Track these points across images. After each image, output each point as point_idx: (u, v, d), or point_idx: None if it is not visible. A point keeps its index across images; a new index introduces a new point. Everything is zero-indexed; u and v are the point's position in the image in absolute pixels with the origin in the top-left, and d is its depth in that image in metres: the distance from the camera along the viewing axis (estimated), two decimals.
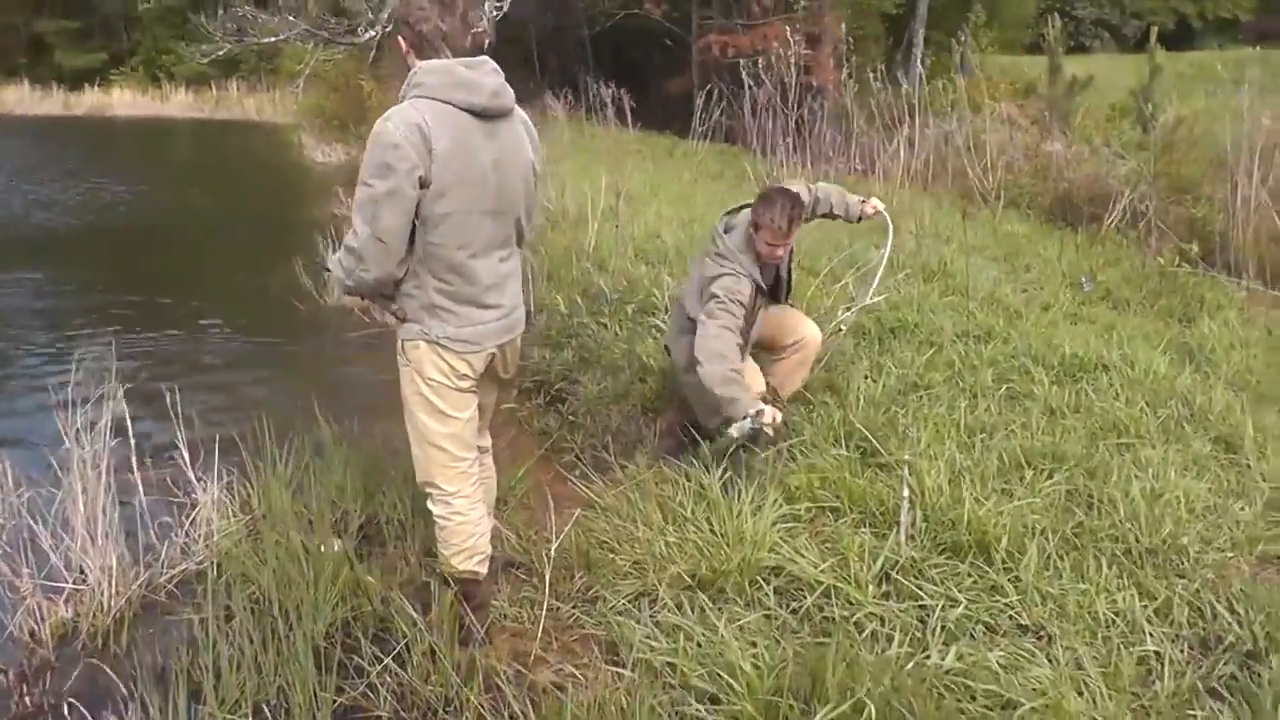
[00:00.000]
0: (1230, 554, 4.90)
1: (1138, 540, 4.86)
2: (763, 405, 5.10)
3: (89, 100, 47.94)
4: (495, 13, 27.21)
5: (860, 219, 6.29)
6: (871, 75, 16.06)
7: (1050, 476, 5.42)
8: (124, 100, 48.22)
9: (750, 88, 16.67)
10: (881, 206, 6.23)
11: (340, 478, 5.60)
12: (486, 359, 4.36)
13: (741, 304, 5.34)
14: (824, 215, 6.17)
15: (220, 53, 27.69)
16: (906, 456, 5.47)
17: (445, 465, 4.42)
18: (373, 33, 27.44)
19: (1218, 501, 5.32)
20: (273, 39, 27.23)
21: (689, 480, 5.29)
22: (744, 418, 5.05)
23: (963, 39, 22.62)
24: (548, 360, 7.86)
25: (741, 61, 17.75)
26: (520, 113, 4.40)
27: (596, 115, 20.65)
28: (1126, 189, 12.05)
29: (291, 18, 26.97)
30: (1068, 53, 24.03)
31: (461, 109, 4.05)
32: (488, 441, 4.90)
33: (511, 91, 4.26)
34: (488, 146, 4.13)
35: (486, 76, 4.15)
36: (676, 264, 10.00)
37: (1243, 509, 5.27)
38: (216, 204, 19.49)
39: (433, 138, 3.95)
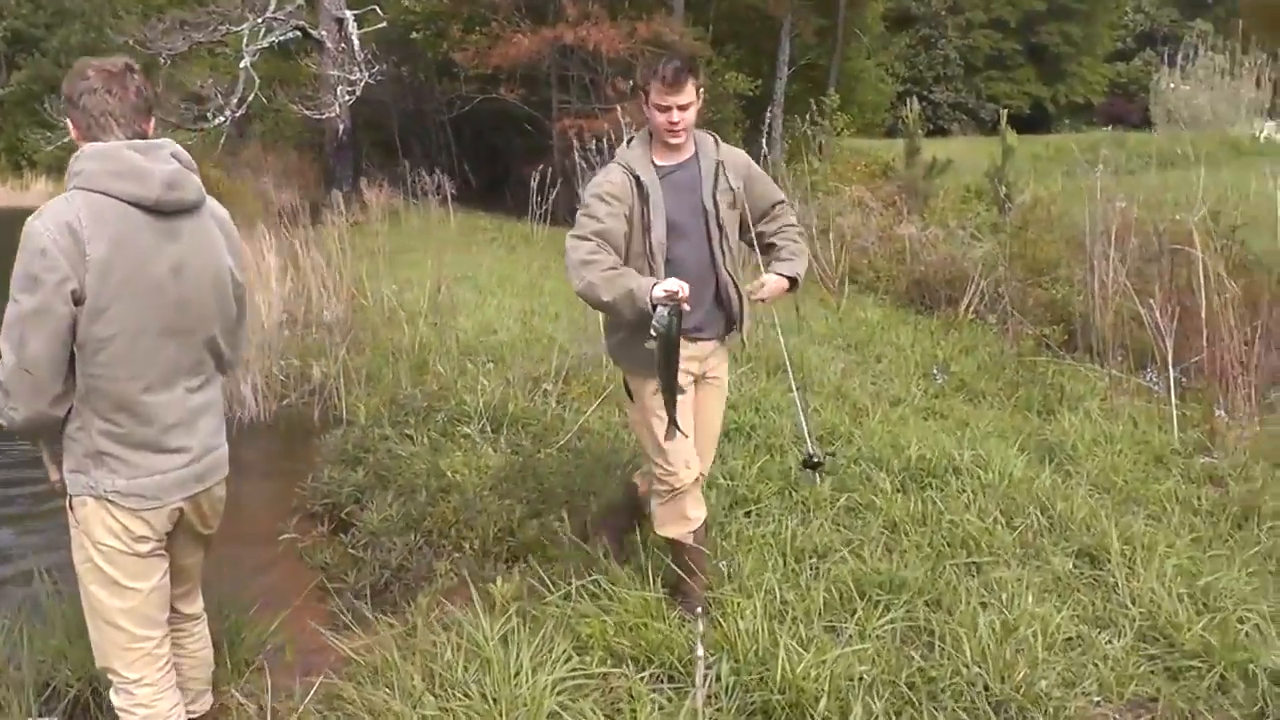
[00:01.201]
0: (1096, 698, 4.19)
1: (986, 689, 4.11)
2: (657, 280, 4.24)
3: None
4: (348, 96, 26.55)
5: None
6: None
7: (887, 610, 4.66)
8: None
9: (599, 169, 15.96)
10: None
11: (60, 641, 4.62)
12: (172, 515, 3.55)
13: (605, 198, 4.48)
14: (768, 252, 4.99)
15: (66, 138, 26.61)
16: (719, 592, 4.68)
17: (124, 647, 3.57)
18: (223, 118, 26.54)
19: (1081, 631, 4.60)
20: None
21: (460, 638, 4.42)
22: (654, 308, 4.15)
23: (819, 123, 22.45)
24: (337, 481, 6.95)
25: (595, 144, 17.14)
26: (215, 208, 3.61)
27: (449, 201, 19.94)
28: (982, 271, 11.50)
29: None
30: (927, 135, 23.96)
31: (128, 203, 3.26)
32: (197, 607, 4.04)
33: (196, 180, 3.45)
34: (165, 250, 3.35)
35: (161, 163, 3.35)
36: (509, 359, 9.22)
37: (1110, 641, 4.57)
38: None
39: (87, 240, 3.17)
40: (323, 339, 10.82)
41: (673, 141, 4.53)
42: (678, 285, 4.15)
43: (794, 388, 5.10)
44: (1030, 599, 4.76)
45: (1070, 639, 4.54)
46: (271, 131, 32.54)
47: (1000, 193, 13.26)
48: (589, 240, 4.44)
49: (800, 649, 4.21)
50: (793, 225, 4.79)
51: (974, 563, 5.21)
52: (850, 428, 7.34)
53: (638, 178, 4.51)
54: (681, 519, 4.85)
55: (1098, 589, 5.04)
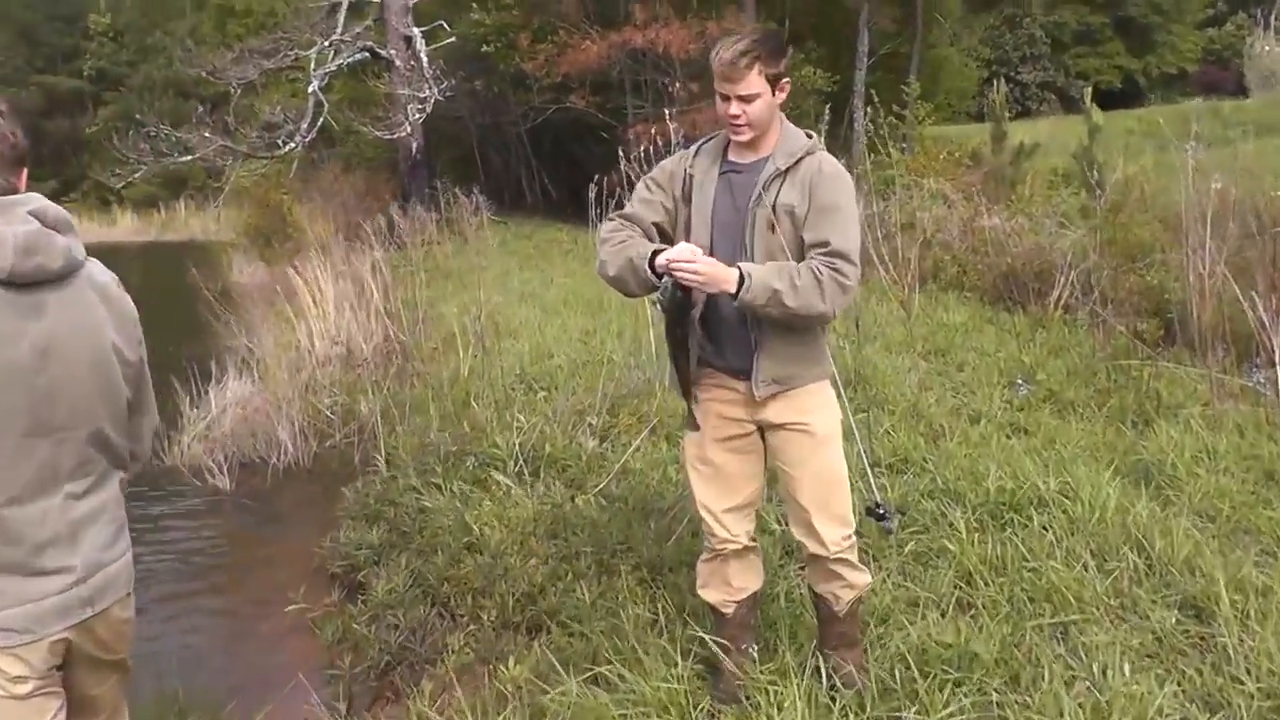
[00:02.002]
0: None
1: None
2: (661, 246, 3.72)
3: None
4: (419, 114, 26.18)
5: None
6: None
7: (955, 690, 3.91)
8: None
9: None
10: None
11: None
12: (55, 649, 2.90)
13: (649, 184, 4.00)
14: None
15: (136, 174, 26.61)
16: (756, 677, 3.99)
17: None
18: (293, 144, 26.34)
19: (1188, 716, 3.80)
20: (188, 157, 26.16)
21: None
22: (660, 278, 3.64)
23: (901, 114, 21.56)
24: (354, 540, 6.34)
25: (668, 149, 16.46)
26: (96, 273, 2.99)
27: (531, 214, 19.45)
28: (1072, 260, 10.62)
29: (208, 134, 25.92)
30: (1014, 118, 22.97)
31: None
32: None
33: (66, 243, 2.82)
34: (25, 330, 2.74)
35: (16, 223, 2.73)
36: (567, 385, 8.58)
37: None
38: None
39: None
40: (376, 371, 10.28)
41: (736, 138, 3.82)
42: (688, 250, 3.57)
43: (854, 429, 4.35)
44: (1126, 669, 3.98)
45: None
46: (350, 155, 32.36)
47: (1089, 174, 12.33)
48: (612, 220, 3.94)
49: None
50: (817, 267, 3.65)
51: (1060, 623, 4.44)
52: (925, 453, 6.59)
53: (692, 173, 3.91)
54: (723, 585, 4.21)
55: (1206, 653, 4.23)
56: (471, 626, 5.19)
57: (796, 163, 3.77)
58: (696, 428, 4.04)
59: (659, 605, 4.90)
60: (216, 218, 40.81)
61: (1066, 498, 5.62)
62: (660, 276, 3.61)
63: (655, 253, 3.65)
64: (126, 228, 46.71)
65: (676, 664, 4.23)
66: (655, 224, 3.92)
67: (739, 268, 3.60)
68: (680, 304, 3.67)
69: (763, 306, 3.60)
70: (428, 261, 16.89)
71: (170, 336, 10.17)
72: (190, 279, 10.25)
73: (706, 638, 4.21)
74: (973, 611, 4.66)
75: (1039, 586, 4.73)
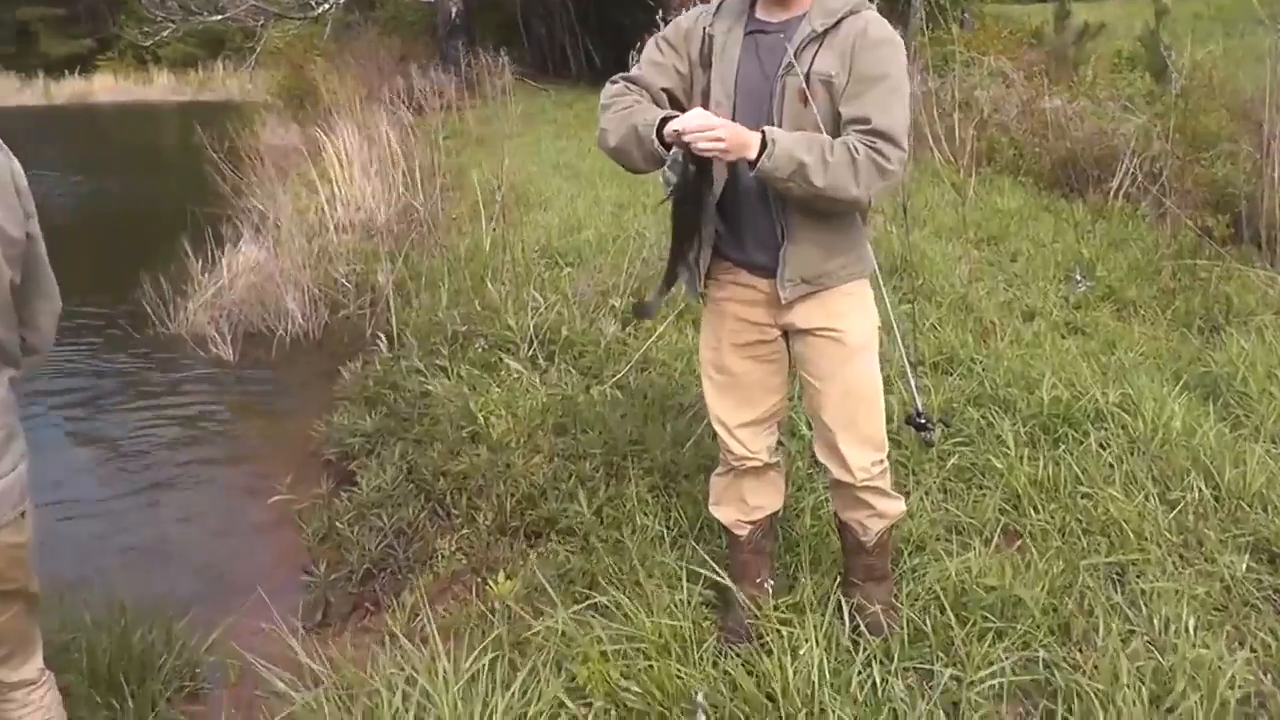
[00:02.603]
0: None
1: None
2: (671, 113, 3.13)
3: (69, 88, 46.55)
4: None
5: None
6: None
7: (996, 642, 3.41)
8: (106, 86, 46.88)
9: None
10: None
11: None
12: None
13: (659, 43, 3.40)
14: None
15: (164, 33, 26.03)
16: (768, 617, 3.52)
17: None
18: (326, 5, 25.61)
19: (1262, 689, 3.30)
20: (218, 16, 25.52)
21: (412, 688, 3.31)
22: (669, 149, 3.03)
23: None
24: (348, 426, 5.88)
25: None
26: None
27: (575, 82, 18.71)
28: (1136, 147, 9.91)
29: None
30: None
31: None
32: (27, 671, 2.95)
33: None
34: None
35: None
36: (594, 261, 8.07)
37: None
38: (127, 197, 17.61)
39: None
40: (393, 240, 9.77)
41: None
42: (702, 116, 2.97)
43: (895, 325, 3.81)
44: (1191, 626, 3.47)
45: (1247, 696, 3.25)
46: (390, 19, 31.47)
47: (1157, 58, 11.53)
48: (615, 83, 3.35)
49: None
50: (854, 145, 3.04)
51: (1117, 562, 3.92)
52: (973, 352, 6.03)
53: (712, 33, 3.29)
54: (738, 501, 3.72)
55: None
56: (465, 530, 4.74)
57: (837, 23, 3.13)
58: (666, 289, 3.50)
59: (670, 516, 4.44)
60: (250, 78, 40.34)
61: (1126, 412, 5.06)
62: (669, 148, 3.02)
63: (664, 120, 3.06)
64: (162, 87, 46.19)
65: (682, 588, 3.77)
66: (665, 90, 3.31)
67: (762, 131, 3.02)
68: (694, 182, 3.08)
69: (784, 180, 3.01)
70: (460, 127, 16.31)
71: (190, 197, 9.66)
72: (196, 140, 9.63)
73: (715, 569, 3.71)
74: (1019, 543, 4.15)
75: (1094, 516, 4.21)
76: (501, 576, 4.11)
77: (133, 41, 47.84)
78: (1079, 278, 7.52)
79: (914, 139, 10.91)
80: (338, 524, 4.95)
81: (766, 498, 3.71)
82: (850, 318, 3.37)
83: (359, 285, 9.09)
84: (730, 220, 3.34)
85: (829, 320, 3.34)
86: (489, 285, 7.17)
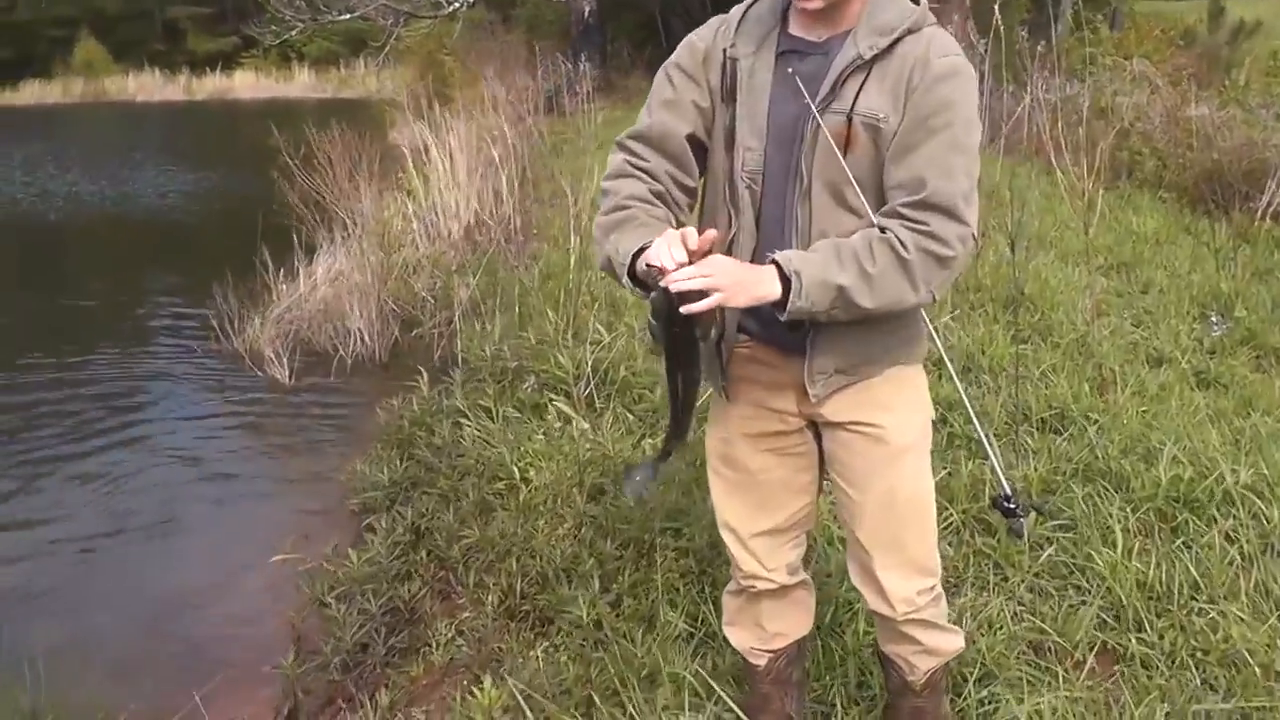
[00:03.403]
0: None
1: None
2: (647, 241, 2.33)
3: (211, 85, 47.51)
4: None
5: None
6: (1007, 32, 12.97)
7: None
8: (246, 83, 47.74)
9: None
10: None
11: None
12: None
13: (670, 74, 2.61)
14: None
15: (292, 32, 26.02)
16: None
17: None
18: (458, 4, 25.32)
19: None
20: (347, 15, 25.42)
21: None
22: (650, 288, 2.28)
23: None
24: (370, 476, 5.29)
25: None
26: None
27: None
28: None
29: None
30: None
31: None
32: None
33: None
34: None
35: None
36: None
37: None
38: (236, 195, 17.29)
39: None
40: (481, 254, 9.22)
41: (801, 3, 2.42)
42: (677, 247, 2.20)
43: (965, 400, 3.05)
44: None
45: None
46: (529, 18, 31.10)
47: None
48: (620, 151, 2.61)
49: None
50: (897, 238, 2.31)
51: (1237, 710, 3.12)
52: (1088, 408, 5.23)
53: (734, 55, 2.51)
54: (753, 626, 3.02)
55: None
56: (469, 612, 4.10)
57: (891, 46, 2.36)
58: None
59: (700, 611, 3.74)
60: (380, 76, 40.40)
61: (1260, 496, 4.23)
62: (649, 288, 2.29)
63: (641, 251, 2.34)
64: (302, 84, 46.87)
65: (703, 706, 3.10)
66: (691, 137, 2.56)
67: (775, 261, 2.30)
68: (681, 334, 2.29)
69: (827, 311, 2.31)
70: (588, 130, 15.71)
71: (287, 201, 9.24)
72: (273, 141, 9.13)
73: (728, 700, 3.00)
74: (1116, 671, 3.38)
75: (1213, 642, 3.41)
76: (488, 683, 3.46)
77: (259, 40, 48.84)
78: (1216, 319, 6.63)
79: (1059, 144, 10.02)
80: (327, 599, 4.33)
81: (790, 623, 3.01)
82: (895, 410, 2.63)
83: (439, 300, 8.51)
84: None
85: (868, 413, 2.61)
86: (549, 314, 6.50)
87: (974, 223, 2.32)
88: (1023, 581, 3.85)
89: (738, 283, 2.23)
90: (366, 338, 8.11)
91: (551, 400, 5.58)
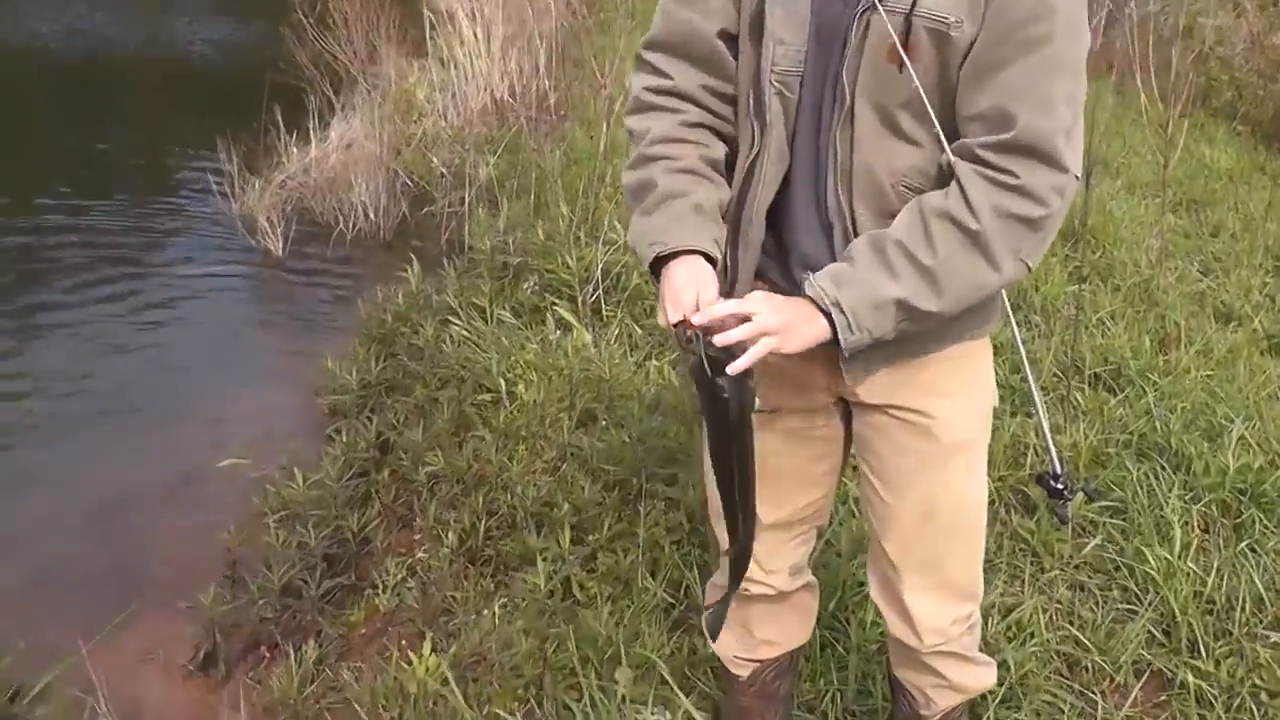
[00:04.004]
0: None
1: None
2: (682, 247, 1.88)
3: None
4: None
5: None
6: None
7: None
8: None
9: None
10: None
11: None
12: None
13: None
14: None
15: None
16: None
17: None
18: None
19: None
20: None
21: None
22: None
23: None
24: (338, 379, 4.76)
25: None
26: None
27: None
28: None
29: None
30: None
31: None
32: None
33: None
34: None
35: None
36: None
37: None
38: (270, 50, 16.72)
39: None
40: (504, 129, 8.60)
41: None
42: (732, 306, 1.77)
43: (1019, 346, 2.43)
44: None
45: None
46: None
47: None
48: (640, 70, 2.03)
49: None
50: (958, 207, 1.75)
51: None
52: (1146, 364, 4.65)
53: None
54: (739, 628, 2.46)
55: None
56: (424, 551, 3.60)
57: None
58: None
59: (686, 577, 3.23)
60: None
61: None
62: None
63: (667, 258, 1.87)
64: None
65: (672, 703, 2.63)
66: (723, 34, 1.95)
67: (809, 292, 1.78)
68: (731, 396, 1.78)
69: (894, 331, 1.80)
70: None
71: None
72: None
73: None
74: (1163, 701, 2.86)
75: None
76: (427, 647, 2.96)
77: None
78: None
79: (1134, 66, 9.24)
80: (269, 522, 3.83)
81: (784, 631, 2.48)
82: (951, 395, 2.06)
83: (456, 177, 7.90)
84: (776, 228, 2.01)
85: (915, 397, 2.04)
86: (563, 207, 5.90)
87: (1077, 166, 1.74)
88: (1062, 575, 3.31)
89: (788, 324, 1.75)
90: (371, 212, 7.54)
91: (553, 305, 5.03)
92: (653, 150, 1.94)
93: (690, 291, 1.79)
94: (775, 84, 1.88)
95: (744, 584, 2.31)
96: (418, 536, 3.74)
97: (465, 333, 4.88)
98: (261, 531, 3.78)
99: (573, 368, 4.37)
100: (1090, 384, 4.56)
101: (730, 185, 1.99)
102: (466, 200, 7.26)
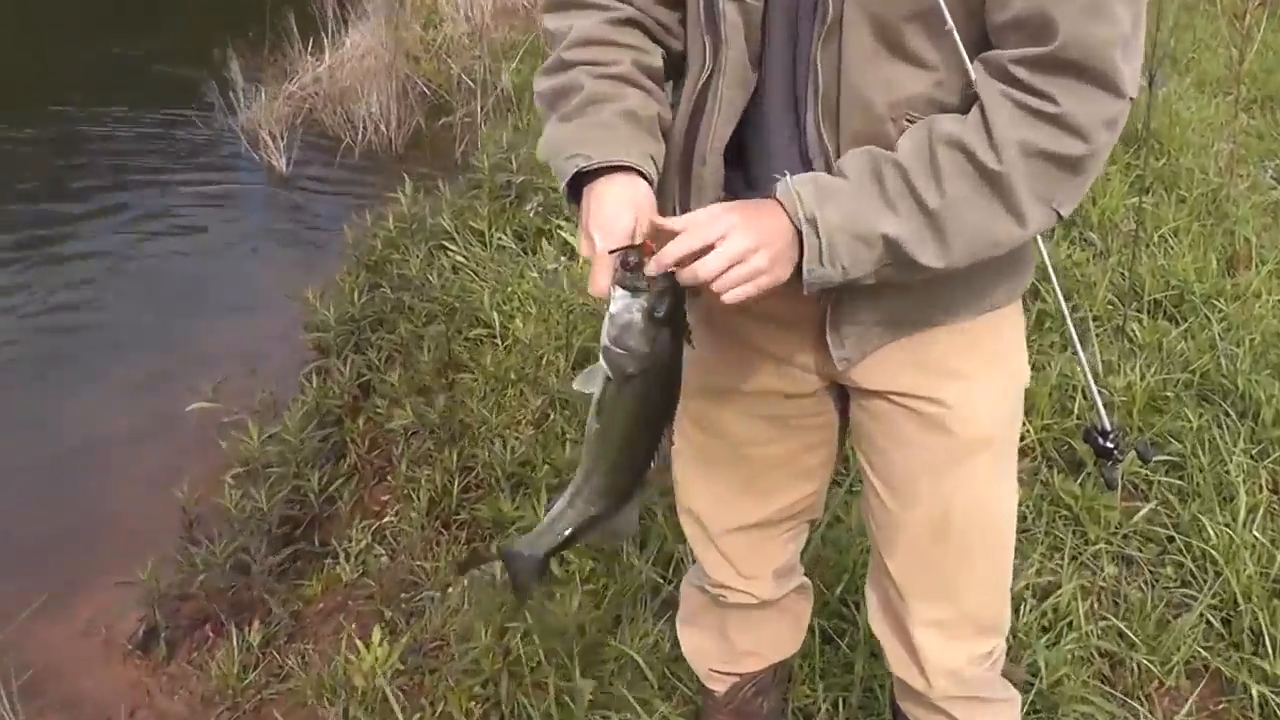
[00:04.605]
0: None
1: None
2: (601, 162, 1.43)
3: None
4: None
5: None
6: None
7: None
8: None
9: None
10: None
11: None
12: None
13: None
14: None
15: None
16: None
17: None
18: None
19: None
20: None
21: None
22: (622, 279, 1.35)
23: None
24: (317, 314, 4.37)
25: None
26: None
27: None
28: None
29: None
30: None
31: None
32: None
33: None
34: None
35: None
36: None
37: None
38: None
39: None
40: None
41: None
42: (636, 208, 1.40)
43: (1058, 297, 1.95)
44: None
45: None
46: None
47: None
48: None
49: None
50: (984, 122, 1.30)
51: None
52: (1212, 288, 4.18)
53: None
54: (717, 637, 2.10)
55: None
56: (392, 516, 3.24)
57: None
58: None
59: (678, 552, 2.84)
60: None
61: None
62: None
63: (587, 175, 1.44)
64: None
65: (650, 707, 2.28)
66: None
67: (780, 195, 1.36)
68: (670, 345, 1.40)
69: (873, 274, 1.38)
70: None
71: None
72: None
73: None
74: (1224, 705, 2.45)
75: None
76: (376, 635, 2.60)
77: None
78: None
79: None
80: (228, 479, 3.46)
81: (769, 641, 2.10)
82: (972, 378, 1.63)
83: (476, 85, 7.45)
84: (749, 160, 1.57)
85: (925, 380, 1.62)
86: None
87: (1134, 87, 1.30)
88: (1107, 548, 2.89)
89: (768, 243, 1.33)
90: (383, 124, 7.11)
91: (558, 228, 4.61)
92: (573, 54, 1.53)
93: (625, 217, 1.38)
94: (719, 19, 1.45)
95: (719, 590, 1.94)
96: (386, 497, 3.37)
97: (462, 258, 4.49)
98: (222, 489, 3.41)
99: (573, 301, 3.97)
100: (1149, 311, 4.10)
101: (673, 110, 1.56)
102: (481, 110, 6.85)
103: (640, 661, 2.48)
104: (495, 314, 3.98)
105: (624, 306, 1.35)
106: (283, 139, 6.74)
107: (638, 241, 1.36)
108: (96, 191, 6.42)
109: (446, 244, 4.59)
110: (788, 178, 1.35)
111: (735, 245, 1.30)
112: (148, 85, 8.35)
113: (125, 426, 4.09)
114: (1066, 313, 1.90)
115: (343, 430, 3.71)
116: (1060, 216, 1.36)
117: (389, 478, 3.47)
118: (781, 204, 1.33)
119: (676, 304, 1.35)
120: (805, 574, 2.12)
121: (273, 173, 6.69)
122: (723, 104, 1.48)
